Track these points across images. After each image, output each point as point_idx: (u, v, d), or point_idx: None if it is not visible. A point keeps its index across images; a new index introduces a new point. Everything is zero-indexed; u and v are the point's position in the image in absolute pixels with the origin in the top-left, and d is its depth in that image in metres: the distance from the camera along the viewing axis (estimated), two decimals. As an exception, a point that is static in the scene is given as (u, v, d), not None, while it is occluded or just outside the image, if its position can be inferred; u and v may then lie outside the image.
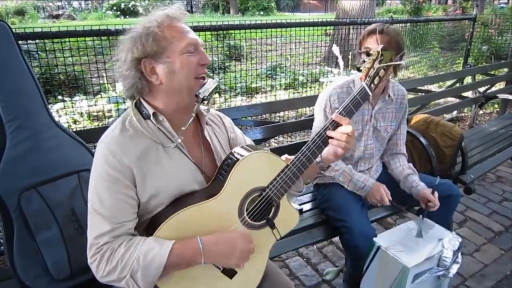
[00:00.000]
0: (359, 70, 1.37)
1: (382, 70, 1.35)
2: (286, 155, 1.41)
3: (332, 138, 1.29)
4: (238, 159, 1.23)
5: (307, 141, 1.30)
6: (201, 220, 1.19)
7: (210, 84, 1.23)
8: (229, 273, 1.26)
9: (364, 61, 1.36)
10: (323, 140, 1.30)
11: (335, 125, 1.30)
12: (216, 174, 1.29)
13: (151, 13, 1.22)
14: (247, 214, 1.26)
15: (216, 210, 1.21)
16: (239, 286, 1.29)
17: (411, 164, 2.17)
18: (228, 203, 1.23)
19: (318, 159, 1.38)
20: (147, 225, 1.23)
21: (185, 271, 1.17)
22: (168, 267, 1.11)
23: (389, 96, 2.05)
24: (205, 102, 1.23)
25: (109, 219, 1.14)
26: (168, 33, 1.17)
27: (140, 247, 1.11)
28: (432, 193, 1.93)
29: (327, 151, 1.36)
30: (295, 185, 1.34)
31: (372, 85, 1.35)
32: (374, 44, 1.87)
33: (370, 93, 1.34)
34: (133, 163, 1.16)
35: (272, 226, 1.31)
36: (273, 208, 1.31)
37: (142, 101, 1.24)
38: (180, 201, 1.22)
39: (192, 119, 1.24)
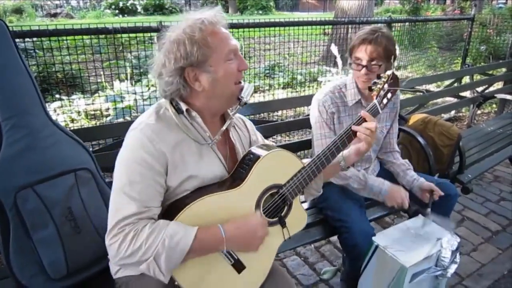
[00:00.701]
0: (370, 89, 1.53)
1: (390, 93, 1.53)
2: (309, 159, 1.48)
3: (356, 132, 1.42)
4: (260, 155, 1.29)
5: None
6: (221, 208, 1.23)
7: (250, 88, 1.28)
8: (238, 267, 1.29)
9: (375, 83, 1.52)
10: (348, 135, 1.43)
11: (361, 121, 1.45)
12: (237, 167, 1.35)
13: (188, 16, 1.22)
14: (263, 210, 1.31)
15: (236, 200, 1.25)
16: (245, 281, 1.32)
17: (406, 160, 2.19)
18: (248, 195, 1.28)
19: (341, 159, 1.50)
20: (166, 210, 1.24)
21: (198, 262, 1.20)
22: (190, 252, 1.13)
23: None
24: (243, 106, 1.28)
25: (137, 202, 1.15)
26: (211, 41, 1.18)
27: (165, 230, 1.12)
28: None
29: (349, 151, 1.49)
30: (315, 184, 1.47)
31: (381, 104, 1.51)
32: (363, 54, 1.87)
33: (380, 111, 1.50)
34: (168, 151, 1.19)
35: (283, 225, 1.37)
36: (286, 207, 1.37)
37: (178, 100, 1.27)
38: (202, 190, 1.26)
39: (230, 121, 1.33)
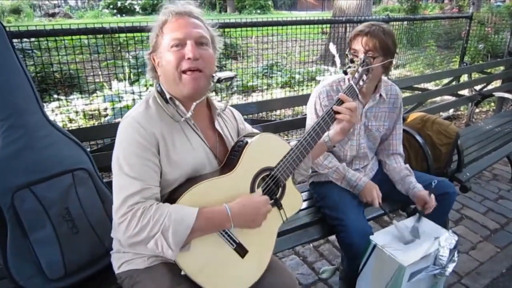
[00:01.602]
0: (345, 73, 1.58)
1: (364, 75, 1.59)
2: (295, 141, 1.53)
3: (338, 113, 1.47)
4: (249, 140, 1.35)
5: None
6: (217, 194, 1.27)
7: (228, 72, 1.34)
8: (241, 251, 1.33)
9: (349, 67, 1.58)
10: (330, 116, 1.48)
11: (341, 102, 1.49)
12: (228, 156, 1.40)
13: (164, 8, 1.32)
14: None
15: (230, 185, 1.30)
16: (249, 266, 1.34)
17: (408, 165, 2.17)
18: (241, 179, 1.32)
19: (326, 138, 1.57)
20: (166, 200, 1.28)
21: (201, 247, 1.24)
22: (196, 230, 1.18)
23: (380, 95, 2.06)
24: (220, 88, 1.35)
25: (138, 180, 1.21)
26: (165, 28, 1.28)
27: (170, 208, 1.19)
28: (429, 195, 1.94)
29: (334, 131, 1.56)
30: (304, 164, 1.54)
31: (358, 85, 1.57)
32: (359, 46, 1.90)
33: (357, 91, 1.56)
34: (159, 134, 1.26)
35: (280, 207, 1.41)
36: (280, 189, 1.41)
37: (162, 86, 1.35)
38: (196, 178, 1.30)
39: (204, 98, 1.37)
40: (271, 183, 1.38)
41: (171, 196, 1.28)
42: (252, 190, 1.34)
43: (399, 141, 2.21)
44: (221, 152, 1.43)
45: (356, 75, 1.56)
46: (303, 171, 1.61)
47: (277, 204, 1.40)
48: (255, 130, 1.62)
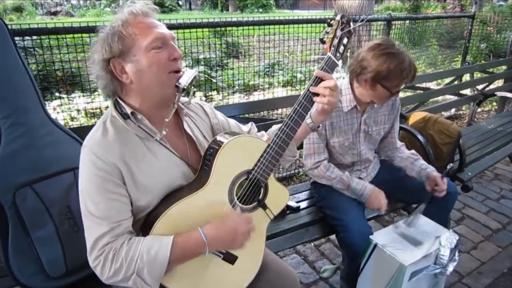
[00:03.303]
0: (322, 41, 1.37)
1: (345, 38, 1.37)
2: (267, 136, 1.46)
3: (316, 95, 1.30)
4: (219, 147, 1.24)
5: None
6: (194, 212, 1.20)
7: (189, 74, 1.21)
8: (230, 259, 1.28)
9: (326, 32, 1.37)
10: (308, 99, 1.31)
11: (319, 81, 1.31)
12: (201, 166, 1.30)
13: (118, 11, 1.20)
14: (238, 199, 1.28)
15: (206, 200, 1.22)
16: (242, 270, 1.31)
17: (413, 151, 2.19)
18: (216, 191, 1.24)
19: (309, 120, 1.41)
20: (142, 225, 1.23)
21: (187, 266, 1.19)
22: (172, 261, 1.12)
23: None
24: (184, 93, 1.22)
25: (106, 220, 1.13)
26: (133, 30, 1.15)
27: (141, 245, 1.11)
28: (442, 178, 1.96)
29: (316, 111, 1.38)
30: (289, 151, 1.39)
31: (337, 54, 1.35)
32: (398, 85, 1.83)
33: (337, 62, 1.35)
34: (119, 161, 1.15)
35: (264, 207, 1.34)
36: (262, 189, 1.32)
37: (120, 100, 1.23)
38: (170, 197, 1.23)
39: (174, 110, 1.24)
40: (250, 187, 1.29)
41: (146, 221, 1.22)
42: (231, 200, 1.26)
43: (397, 137, 2.24)
44: (193, 158, 1.33)
45: (335, 41, 1.34)
46: (289, 157, 1.50)
47: (261, 204, 1.33)
48: (231, 121, 1.53)
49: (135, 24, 1.16)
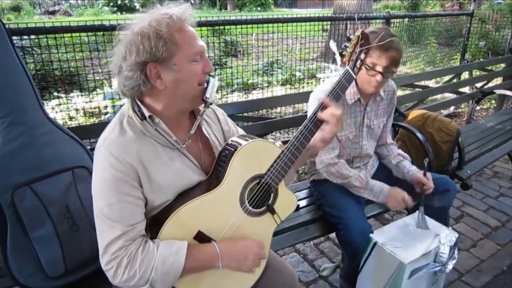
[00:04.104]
0: (342, 55, 1.44)
1: (363, 54, 1.42)
2: (279, 142, 1.43)
3: (322, 120, 1.32)
4: (235, 149, 1.25)
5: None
6: (205, 212, 1.21)
7: (213, 85, 1.22)
8: None
9: (346, 46, 1.42)
10: (314, 123, 1.33)
11: (324, 108, 1.33)
12: (215, 166, 1.31)
13: (154, 10, 1.16)
14: (248, 202, 1.28)
15: (218, 200, 1.23)
16: (245, 274, 1.31)
17: (400, 151, 2.20)
18: (229, 192, 1.25)
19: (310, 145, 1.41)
20: (151, 221, 1.23)
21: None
22: (185, 272, 1.13)
23: (379, 95, 2.06)
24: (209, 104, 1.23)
25: (120, 223, 1.12)
26: (178, 38, 1.12)
27: (156, 256, 1.11)
28: (424, 175, 1.95)
29: (314, 138, 1.37)
30: (288, 176, 1.37)
31: (355, 69, 1.41)
32: (382, 61, 1.82)
33: (354, 76, 1.40)
34: (136, 162, 1.14)
35: (273, 212, 1.35)
36: (272, 194, 1.34)
37: (138, 101, 1.20)
38: (183, 196, 1.24)
39: (198, 122, 1.26)
40: (261, 191, 1.30)
41: (157, 218, 1.21)
42: (242, 203, 1.27)
43: (389, 133, 2.24)
44: (206, 161, 1.33)
45: (353, 56, 1.40)
46: (289, 180, 1.50)
47: (270, 209, 1.34)
48: (239, 129, 1.55)
49: (181, 31, 1.13)
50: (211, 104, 1.23)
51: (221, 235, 1.24)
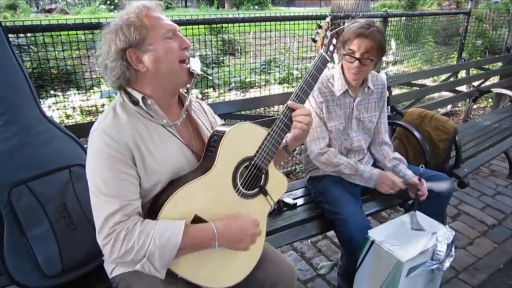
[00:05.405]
0: (314, 41, 1.52)
1: (334, 38, 1.53)
2: None
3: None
4: (223, 134, 1.29)
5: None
6: (200, 195, 1.25)
7: (197, 61, 1.30)
8: None
9: (317, 33, 1.52)
10: (288, 118, 1.39)
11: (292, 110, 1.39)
12: (205, 152, 1.36)
13: (127, 6, 1.26)
14: (241, 185, 1.32)
15: (212, 184, 1.27)
16: (246, 255, 1.34)
17: (396, 154, 2.19)
18: (222, 175, 1.29)
19: (284, 143, 1.48)
20: (149, 208, 1.26)
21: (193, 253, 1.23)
22: (182, 248, 1.16)
23: (368, 88, 2.10)
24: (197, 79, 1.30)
25: (116, 198, 1.17)
26: (147, 21, 1.21)
27: (154, 229, 1.15)
28: (419, 180, 1.95)
29: (291, 136, 1.45)
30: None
31: (328, 52, 1.50)
32: (358, 48, 1.90)
33: (329, 59, 1.49)
34: (131, 143, 1.20)
35: (265, 193, 1.39)
36: (263, 176, 1.38)
37: (129, 89, 1.28)
38: (176, 182, 1.27)
39: (189, 97, 1.35)
40: (252, 173, 1.35)
41: (153, 205, 1.25)
42: (234, 185, 1.31)
43: (385, 129, 2.25)
44: (197, 146, 1.40)
45: (326, 41, 1.50)
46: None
47: (262, 191, 1.38)
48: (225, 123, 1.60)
49: (148, 15, 1.23)
50: (198, 75, 1.29)
51: (217, 218, 1.27)
